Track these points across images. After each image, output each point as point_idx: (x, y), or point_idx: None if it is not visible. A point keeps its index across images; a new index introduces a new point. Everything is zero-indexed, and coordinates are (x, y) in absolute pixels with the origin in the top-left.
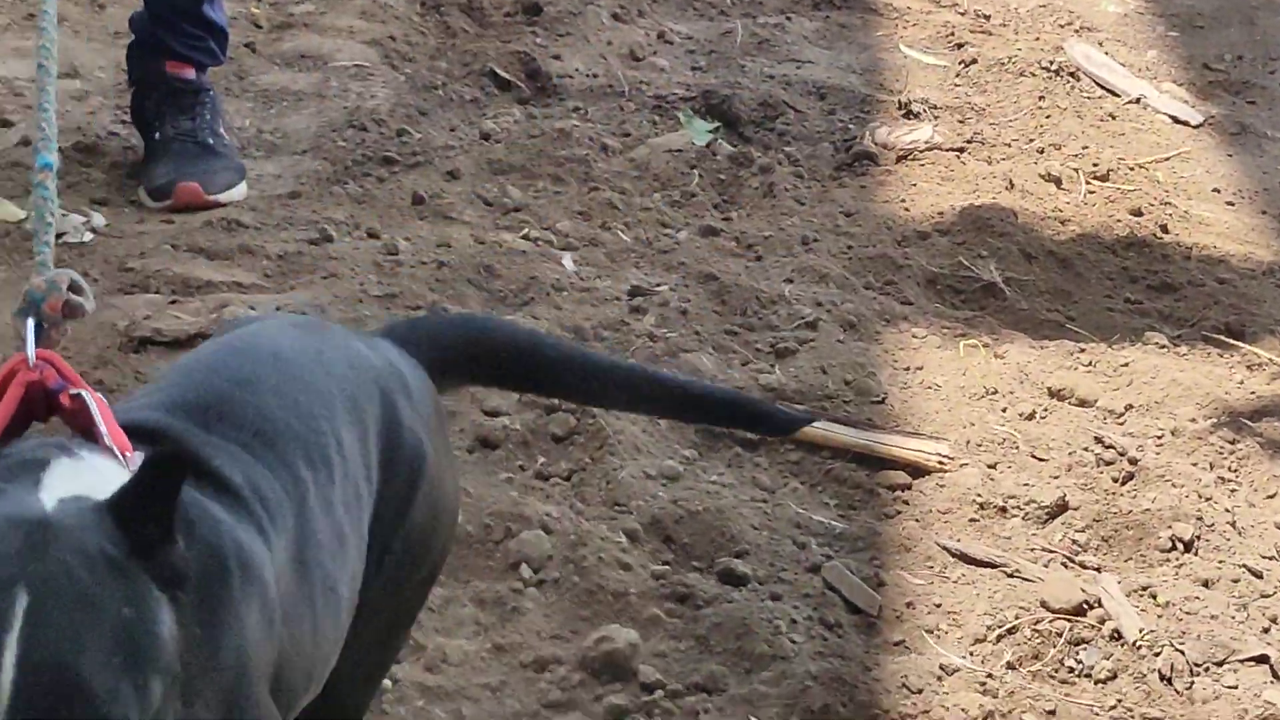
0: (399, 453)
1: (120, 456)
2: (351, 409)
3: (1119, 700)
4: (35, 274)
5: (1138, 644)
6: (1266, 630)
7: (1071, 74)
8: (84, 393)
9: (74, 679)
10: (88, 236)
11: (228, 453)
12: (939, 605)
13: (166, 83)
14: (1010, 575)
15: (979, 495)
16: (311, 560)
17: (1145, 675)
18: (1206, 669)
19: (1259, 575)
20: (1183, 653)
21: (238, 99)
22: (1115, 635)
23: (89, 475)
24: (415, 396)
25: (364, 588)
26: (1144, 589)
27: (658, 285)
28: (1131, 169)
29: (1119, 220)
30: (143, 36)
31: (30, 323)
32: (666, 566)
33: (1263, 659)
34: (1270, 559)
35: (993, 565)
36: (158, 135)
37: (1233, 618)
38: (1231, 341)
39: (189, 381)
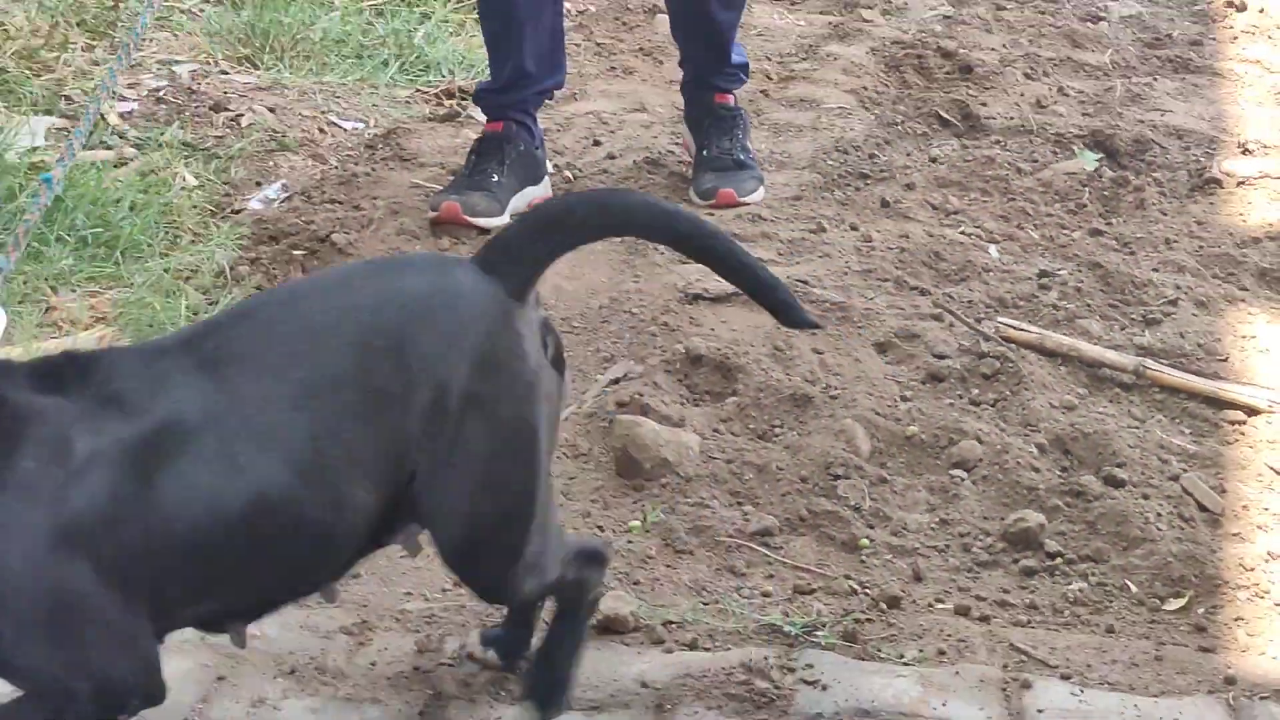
0: (422, 371)
1: None
2: (356, 348)
3: None
4: None
5: None
6: None
7: None
8: None
9: None
10: None
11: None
12: (1266, 509)
13: (714, 111)
14: None
15: None
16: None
17: None
18: None
19: None
20: None
21: (756, 130)
22: None
23: None
24: (458, 323)
25: (437, 484)
26: None
27: (1059, 270)
28: None
29: None
30: (698, 77)
31: None
32: (1065, 471)
33: None
34: None
35: None
36: (705, 152)
37: None
38: None
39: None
